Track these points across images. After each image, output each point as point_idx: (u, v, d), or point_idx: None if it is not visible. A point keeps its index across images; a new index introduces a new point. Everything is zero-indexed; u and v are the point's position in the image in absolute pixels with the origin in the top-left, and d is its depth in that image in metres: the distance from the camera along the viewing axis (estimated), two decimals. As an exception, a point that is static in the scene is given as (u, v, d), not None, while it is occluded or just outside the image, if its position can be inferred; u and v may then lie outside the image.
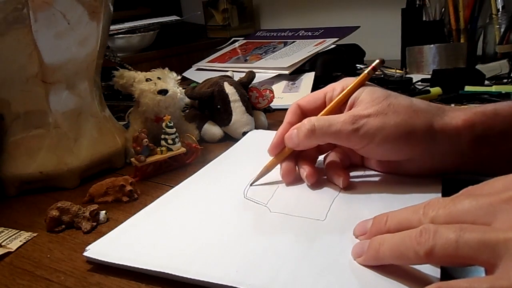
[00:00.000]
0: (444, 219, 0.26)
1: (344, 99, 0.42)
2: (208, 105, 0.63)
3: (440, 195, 0.38)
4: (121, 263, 0.33)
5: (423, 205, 0.28)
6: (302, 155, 0.45)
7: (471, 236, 0.23)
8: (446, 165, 0.40)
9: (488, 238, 0.23)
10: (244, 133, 0.61)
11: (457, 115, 0.38)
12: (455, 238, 0.23)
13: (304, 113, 0.44)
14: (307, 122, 0.41)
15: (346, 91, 0.42)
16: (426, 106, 0.39)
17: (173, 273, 0.31)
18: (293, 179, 0.44)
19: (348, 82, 0.43)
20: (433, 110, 0.39)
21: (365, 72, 0.43)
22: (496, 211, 0.24)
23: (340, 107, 0.42)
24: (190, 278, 0.30)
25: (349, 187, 0.42)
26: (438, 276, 0.28)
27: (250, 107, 0.63)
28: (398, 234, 0.27)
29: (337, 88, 0.43)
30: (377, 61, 0.43)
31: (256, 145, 0.57)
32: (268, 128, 0.65)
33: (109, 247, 0.35)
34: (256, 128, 0.63)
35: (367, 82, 0.43)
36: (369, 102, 0.39)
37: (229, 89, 0.61)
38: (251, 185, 0.44)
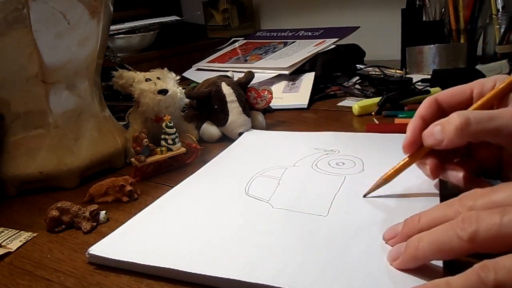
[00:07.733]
0: (484, 206, 0.26)
1: (500, 95, 0.36)
2: (206, 105, 0.63)
3: (438, 198, 0.38)
4: (127, 260, 0.33)
5: (458, 198, 0.28)
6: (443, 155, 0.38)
7: None
8: None
9: None
10: (240, 134, 0.61)
11: None
12: (498, 218, 0.23)
13: (441, 108, 0.38)
14: (458, 115, 0.34)
15: (505, 84, 0.36)
16: None
17: (181, 269, 0.31)
18: (440, 175, 0.39)
19: (501, 77, 0.37)
20: None
21: None
22: None
23: (491, 105, 0.36)
24: (198, 274, 0.30)
25: (350, 184, 0.42)
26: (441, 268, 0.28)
27: (248, 107, 0.63)
28: (436, 227, 0.27)
29: (488, 84, 0.37)
30: None
31: (253, 145, 0.57)
32: (267, 129, 0.65)
33: (113, 247, 0.35)
34: (254, 128, 0.63)
35: None
36: None
37: (226, 89, 0.61)
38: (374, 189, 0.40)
